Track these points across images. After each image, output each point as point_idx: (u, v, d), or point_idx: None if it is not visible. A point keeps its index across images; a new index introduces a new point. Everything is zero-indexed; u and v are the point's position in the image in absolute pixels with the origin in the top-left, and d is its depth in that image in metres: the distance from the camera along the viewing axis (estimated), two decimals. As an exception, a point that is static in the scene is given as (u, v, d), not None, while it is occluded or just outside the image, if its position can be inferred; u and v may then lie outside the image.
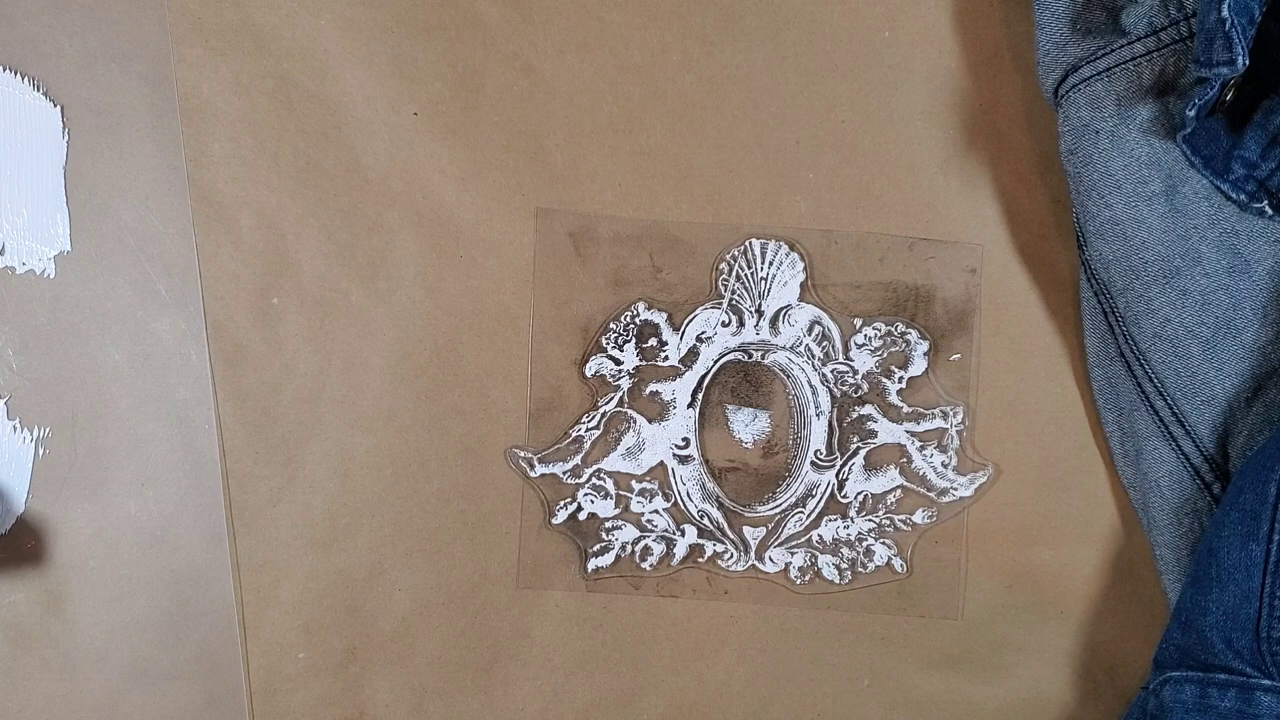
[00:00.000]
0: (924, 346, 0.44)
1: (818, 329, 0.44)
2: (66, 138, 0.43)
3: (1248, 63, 0.34)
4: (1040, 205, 0.44)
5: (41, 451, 0.44)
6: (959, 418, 0.45)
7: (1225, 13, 0.34)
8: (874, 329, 0.44)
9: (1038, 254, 0.45)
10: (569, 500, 0.45)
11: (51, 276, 0.44)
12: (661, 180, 0.44)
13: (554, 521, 0.45)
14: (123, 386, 0.44)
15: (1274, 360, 0.41)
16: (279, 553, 0.44)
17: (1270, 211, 0.38)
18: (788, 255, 0.44)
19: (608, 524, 0.45)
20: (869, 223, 0.44)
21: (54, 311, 0.44)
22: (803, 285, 0.44)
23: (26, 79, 0.43)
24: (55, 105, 0.43)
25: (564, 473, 0.45)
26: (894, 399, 0.45)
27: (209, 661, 0.44)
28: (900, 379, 0.45)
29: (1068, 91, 0.40)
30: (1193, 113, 0.36)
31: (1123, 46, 0.39)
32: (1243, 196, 0.38)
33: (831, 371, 0.44)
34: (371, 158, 0.44)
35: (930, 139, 0.44)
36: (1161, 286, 0.40)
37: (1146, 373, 0.42)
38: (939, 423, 0.45)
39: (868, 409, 0.45)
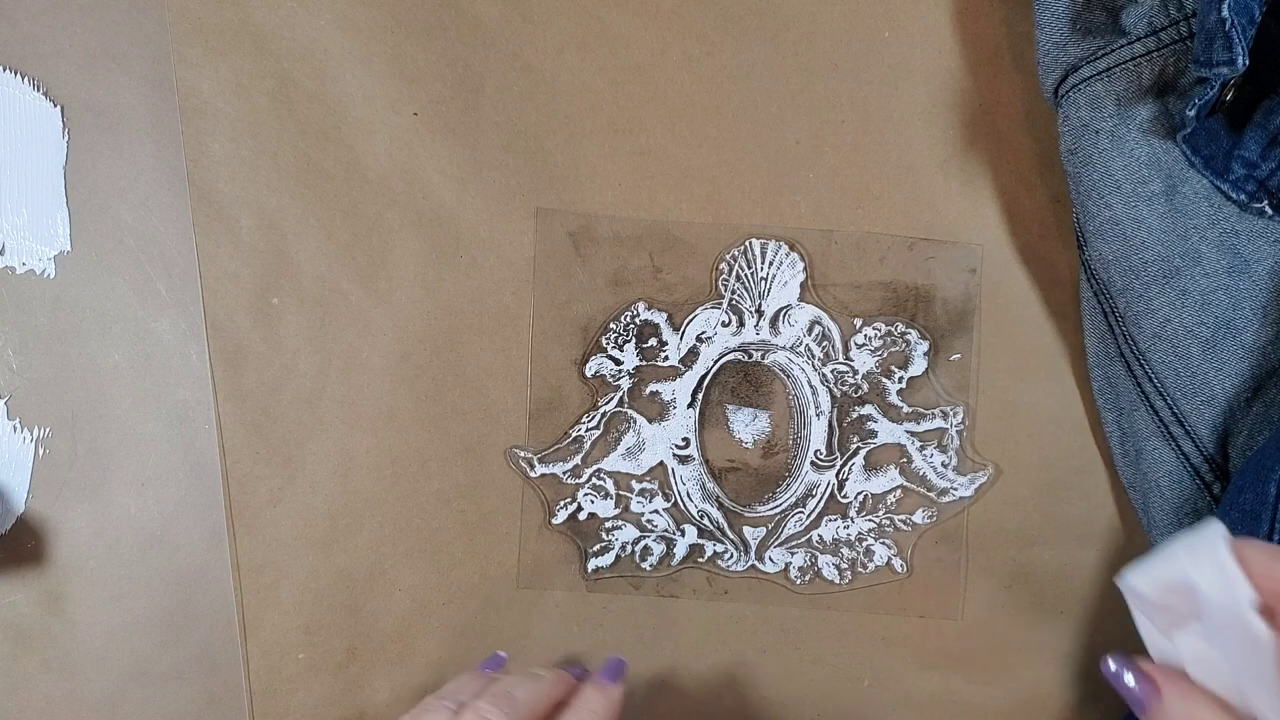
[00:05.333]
0: (924, 346, 0.44)
1: (818, 329, 0.44)
2: (66, 138, 0.43)
3: (1248, 63, 0.34)
4: (1040, 205, 0.44)
5: (41, 451, 0.44)
6: (959, 418, 0.45)
7: (1225, 13, 0.34)
8: (874, 329, 0.44)
9: (1038, 254, 0.45)
10: (569, 500, 0.45)
11: (51, 276, 0.44)
12: (661, 180, 0.44)
13: (554, 522, 0.45)
14: (123, 386, 0.44)
15: (1274, 360, 0.41)
16: (279, 553, 0.44)
17: (1270, 211, 0.38)
18: (788, 255, 0.44)
19: (608, 524, 0.45)
20: (869, 223, 0.44)
21: (54, 311, 0.44)
22: (803, 285, 0.44)
23: (26, 79, 0.43)
24: (55, 105, 0.43)
25: (564, 473, 0.45)
26: (894, 399, 0.45)
27: (209, 661, 0.44)
28: (900, 379, 0.45)
29: (1068, 91, 0.40)
30: (1193, 113, 0.36)
31: (1123, 46, 0.39)
32: (1243, 196, 0.38)
33: (831, 371, 0.44)
34: (371, 158, 0.44)
35: (930, 139, 0.44)
36: (1161, 286, 0.40)
37: (1146, 373, 0.42)
38: (939, 423, 0.45)
39: (868, 409, 0.45)
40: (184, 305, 0.44)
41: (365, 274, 0.44)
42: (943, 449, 0.45)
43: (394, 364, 0.44)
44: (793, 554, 0.45)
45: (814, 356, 0.44)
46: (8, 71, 0.43)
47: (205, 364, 0.44)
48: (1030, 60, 0.42)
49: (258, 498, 0.44)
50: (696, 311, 0.44)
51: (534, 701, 0.37)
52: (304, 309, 0.44)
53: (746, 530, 0.45)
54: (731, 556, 0.45)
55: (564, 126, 0.44)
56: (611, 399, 0.44)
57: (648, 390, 0.44)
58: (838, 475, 0.45)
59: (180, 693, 0.44)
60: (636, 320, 0.44)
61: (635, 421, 0.45)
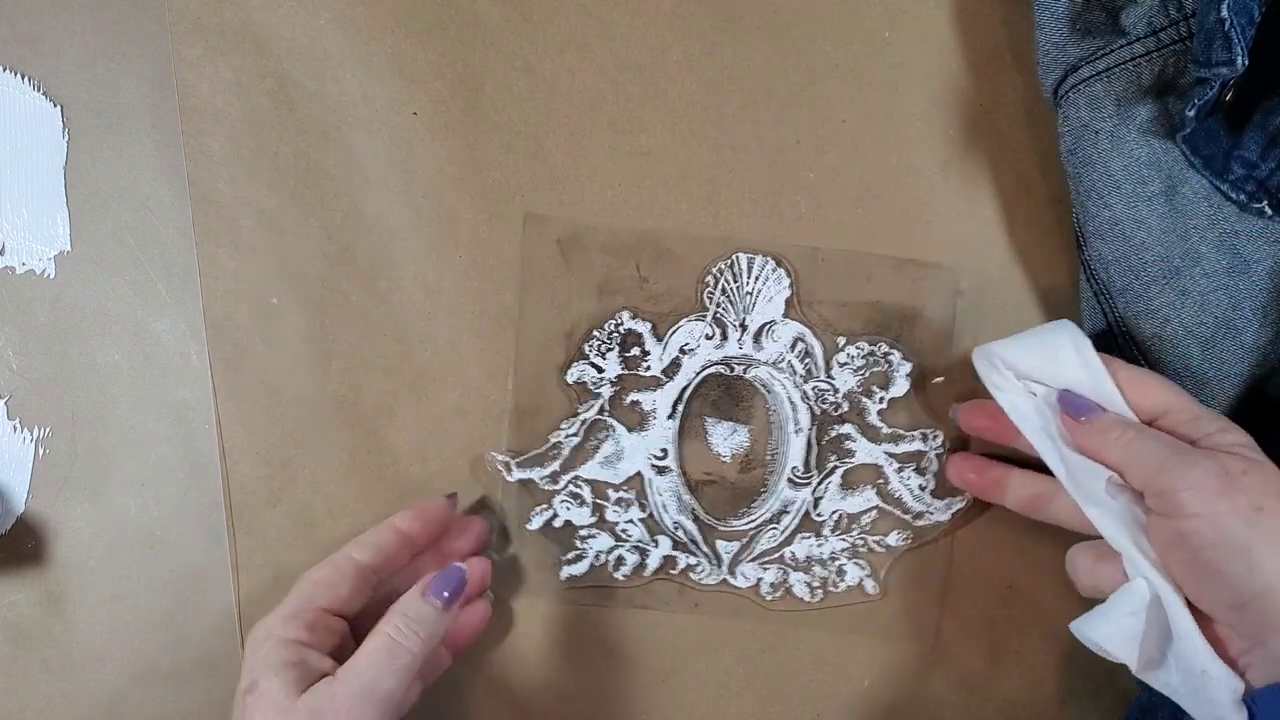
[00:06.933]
0: (906, 368, 0.44)
1: (801, 345, 0.44)
2: (66, 138, 0.43)
3: (1247, 63, 0.34)
4: (1040, 205, 0.44)
5: (41, 451, 0.44)
6: (939, 441, 0.45)
7: (1225, 13, 0.34)
8: (857, 348, 0.44)
9: (1038, 254, 0.45)
10: (545, 506, 0.45)
11: (51, 276, 0.44)
12: (661, 181, 0.44)
13: (529, 527, 0.45)
14: (123, 386, 0.44)
15: (1274, 360, 0.41)
16: (279, 553, 0.44)
17: (1270, 211, 0.38)
18: (774, 271, 0.44)
19: (582, 532, 0.45)
20: (869, 222, 0.44)
21: (54, 311, 0.44)
22: (788, 301, 0.44)
23: (26, 79, 0.43)
24: (55, 105, 0.43)
25: (541, 479, 0.44)
26: (874, 419, 0.45)
27: (209, 661, 0.44)
28: (881, 399, 0.44)
29: (1067, 91, 0.40)
30: (1192, 113, 0.36)
31: (1122, 47, 0.39)
32: (1242, 196, 0.38)
33: (812, 389, 0.44)
34: (371, 158, 0.44)
35: (930, 139, 0.44)
36: (1161, 286, 0.40)
37: (1146, 373, 0.42)
38: (918, 445, 0.45)
39: (847, 428, 0.45)
40: (184, 305, 0.44)
41: (365, 274, 0.44)
42: (921, 472, 0.45)
43: (394, 364, 0.44)
44: (765, 570, 0.45)
45: (796, 373, 0.44)
46: (8, 71, 0.43)
47: (205, 364, 0.44)
48: (1030, 60, 0.42)
49: (258, 498, 0.44)
50: (680, 323, 0.44)
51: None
52: (304, 309, 0.44)
53: (720, 544, 0.45)
54: (704, 569, 0.45)
55: (564, 126, 0.44)
56: (592, 407, 0.44)
57: (628, 399, 0.44)
58: (814, 493, 0.45)
59: (180, 693, 0.44)
60: (620, 329, 0.44)
61: (615, 430, 0.44)
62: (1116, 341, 0.42)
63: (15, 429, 0.44)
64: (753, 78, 0.44)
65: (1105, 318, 0.42)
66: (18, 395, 0.44)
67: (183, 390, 0.44)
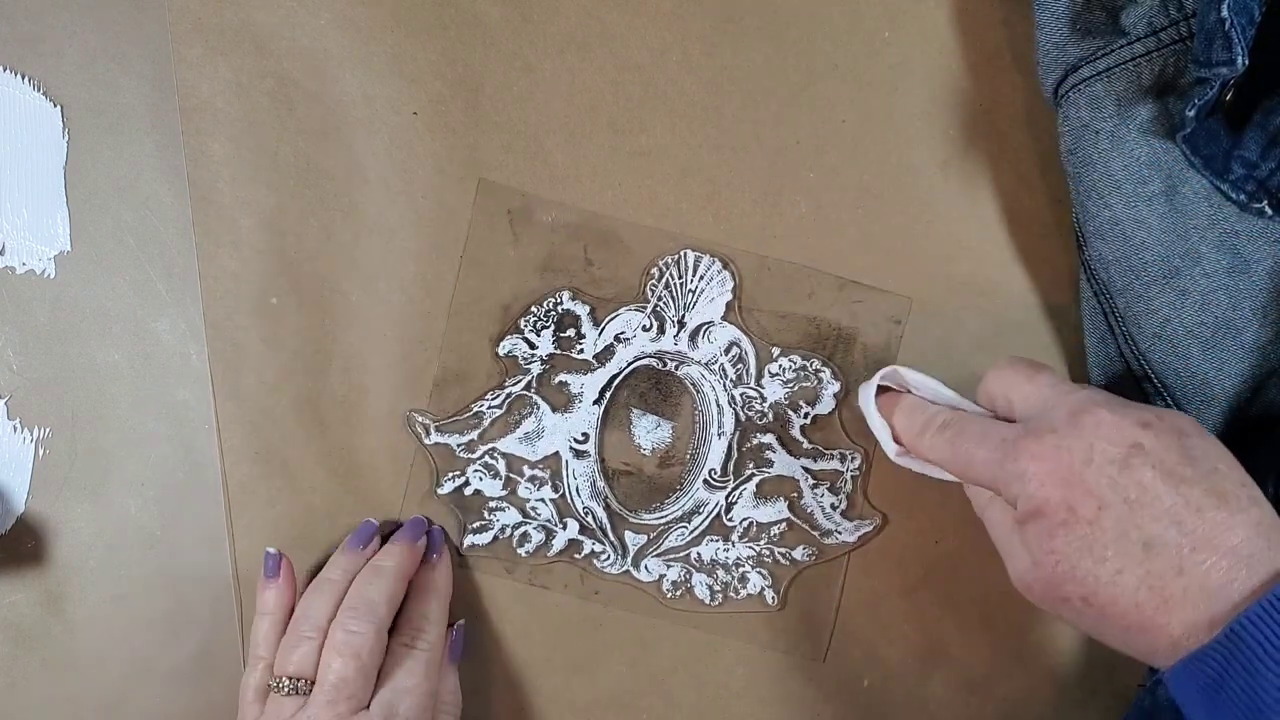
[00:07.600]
0: (835, 387, 0.44)
1: (735, 350, 0.44)
2: (66, 138, 0.43)
3: (1247, 63, 0.34)
4: (1040, 205, 0.44)
5: (41, 451, 0.44)
6: (856, 463, 0.45)
7: (1225, 13, 0.34)
8: (790, 360, 0.44)
9: (1038, 254, 0.45)
10: (458, 473, 0.45)
11: (51, 276, 0.44)
12: (661, 181, 0.44)
13: (439, 492, 0.45)
14: (123, 386, 0.44)
15: (1274, 360, 0.41)
16: (279, 553, 0.44)
17: (1270, 211, 0.38)
18: (719, 272, 0.44)
19: (491, 503, 0.45)
20: (869, 222, 0.44)
21: (54, 311, 0.44)
22: (729, 305, 0.44)
23: (26, 79, 0.43)
24: (55, 105, 0.43)
25: (459, 446, 0.44)
26: (796, 433, 0.45)
27: (209, 661, 0.44)
28: (806, 415, 0.44)
29: (1067, 91, 0.40)
30: (1192, 113, 0.36)
31: (1122, 47, 0.39)
32: (1242, 196, 0.38)
33: (741, 395, 0.44)
34: (371, 158, 0.44)
35: (930, 139, 0.44)
36: (1161, 286, 0.40)
37: (1147, 373, 0.42)
38: (835, 465, 0.45)
39: (769, 438, 0.45)
40: (184, 305, 0.44)
41: (365, 274, 0.44)
42: (835, 491, 0.45)
43: (394, 364, 0.44)
44: (669, 567, 0.45)
45: (726, 377, 0.44)
46: (8, 71, 0.43)
47: (205, 364, 0.44)
48: (1030, 60, 0.42)
49: (257, 498, 0.44)
50: (620, 311, 0.44)
51: (390, 594, 0.41)
52: (304, 309, 0.44)
53: (628, 535, 0.45)
54: (608, 558, 0.45)
55: (564, 126, 0.44)
56: (519, 381, 0.44)
57: (557, 379, 0.44)
58: (728, 497, 0.45)
59: (180, 693, 0.44)
60: (559, 308, 0.44)
61: (539, 408, 0.44)
62: (1117, 342, 0.42)
63: (15, 429, 0.44)
64: (753, 78, 0.44)
65: (1105, 318, 0.42)
66: (18, 395, 0.44)
67: (183, 390, 0.44)
